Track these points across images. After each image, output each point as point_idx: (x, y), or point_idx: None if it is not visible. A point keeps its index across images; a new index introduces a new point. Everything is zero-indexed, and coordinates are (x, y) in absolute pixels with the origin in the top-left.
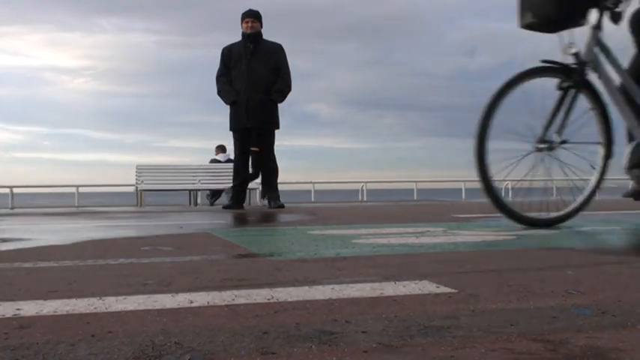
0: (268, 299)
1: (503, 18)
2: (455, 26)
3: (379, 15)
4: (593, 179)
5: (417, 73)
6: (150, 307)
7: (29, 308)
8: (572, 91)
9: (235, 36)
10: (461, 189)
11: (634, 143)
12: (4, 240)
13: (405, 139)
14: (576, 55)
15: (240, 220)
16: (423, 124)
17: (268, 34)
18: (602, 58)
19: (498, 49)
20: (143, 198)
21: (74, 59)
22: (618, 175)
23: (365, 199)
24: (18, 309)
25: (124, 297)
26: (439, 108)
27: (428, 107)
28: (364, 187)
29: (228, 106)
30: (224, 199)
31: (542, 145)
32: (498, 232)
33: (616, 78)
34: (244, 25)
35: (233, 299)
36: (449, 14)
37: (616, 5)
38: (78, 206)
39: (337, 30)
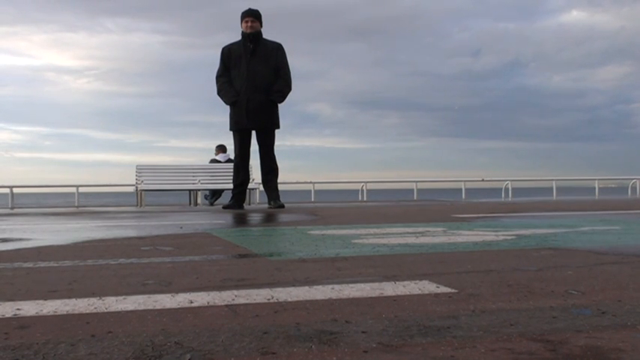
0: (268, 299)
1: (507, 18)
2: (460, 27)
3: (384, 16)
4: None
5: (420, 74)
6: (150, 307)
7: (29, 308)
8: None
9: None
10: (461, 189)
11: None
12: (4, 240)
13: (408, 140)
14: None
15: (240, 220)
16: (426, 124)
17: (272, 34)
18: None
19: (503, 50)
20: (143, 198)
21: (77, 59)
22: (618, 175)
23: (365, 199)
24: (18, 309)
25: (123, 297)
26: (443, 108)
27: (431, 107)
28: (364, 187)
29: (228, 106)
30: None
31: None
32: (498, 232)
33: None
34: (244, 24)
35: (233, 299)
36: (454, 15)
37: None
38: (78, 206)
39: (341, 31)
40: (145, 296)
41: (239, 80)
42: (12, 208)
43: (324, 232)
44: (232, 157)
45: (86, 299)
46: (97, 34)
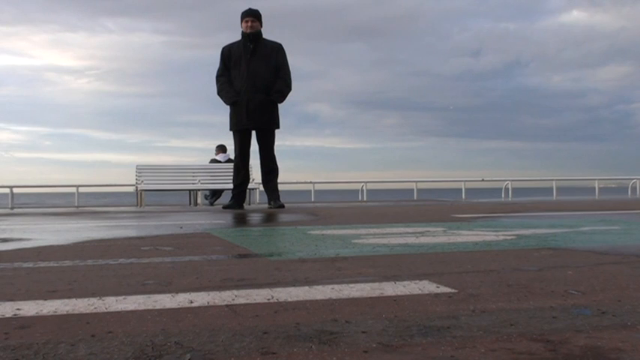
0: (268, 299)
1: (508, 18)
2: (460, 27)
3: (385, 16)
4: None
5: (421, 74)
6: (150, 307)
7: (29, 308)
8: None
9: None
10: (461, 189)
11: None
12: (4, 240)
13: (408, 140)
14: None
15: (240, 220)
16: (426, 124)
17: (272, 34)
18: None
19: (504, 50)
20: (143, 198)
21: (78, 59)
22: (618, 175)
23: (365, 199)
24: (18, 309)
25: (123, 297)
26: (443, 108)
27: (431, 107)
28: (364, 187)
29: (228, 106)
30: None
31: None
32: (498, 232)
33: None
34: (244, 24)
35: (233, 299)
36: (454, 15)
37: None
38: (78, 206)
39: (342, 31)
40: (145, 296)
41: (239, 80)
42: (12, 208)
43: (324, 232)
44: (232, 157)
45: (86, 299)
46: (98, 34)
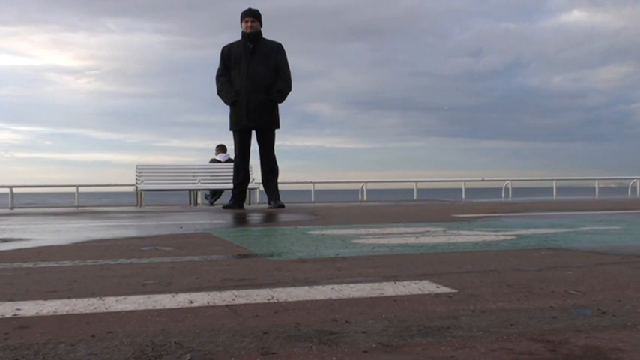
0: (268, 299)
1: (509, 18)
2: (461, 27)
3: (385, 16)
4: None
5: (421, 74)
6: (150, 307)
7: (29, 308)
8: None
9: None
10: (461, 189)
11: None
12: (4, 240)
13: (408, 140)
14: None
15: (240, 220)
16: (426, 124)
17: (272, 34)
18: None
19: (504, 50)
20: (143, 198)
21: (78, 59)
22: (618, 175)
23: (365, 199)
24: (18, 309)
25: (124, 297)
26: (443, 108)
27: (431, 107)
28: (364, 187)
29: (228, 106)
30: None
31: None
32: (498, 232)
33: None
34: (244, 24)
35: (233, 299)
36: (455, 15)
37: None
38: (78, 206)
39: (343, 31)
40: (145, 296)
41: (239, 80)
42: (12, 208)
43: (324, 232)
44: (232, 157)
45: (86, 299)
46: (98, 34)
